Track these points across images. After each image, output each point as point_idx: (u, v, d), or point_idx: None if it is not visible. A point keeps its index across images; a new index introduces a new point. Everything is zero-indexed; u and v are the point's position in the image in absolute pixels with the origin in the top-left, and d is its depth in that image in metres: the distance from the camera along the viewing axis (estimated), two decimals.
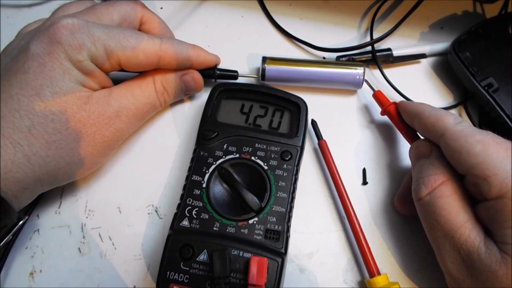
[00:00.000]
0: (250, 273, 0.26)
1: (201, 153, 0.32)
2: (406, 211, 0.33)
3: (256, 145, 0.32)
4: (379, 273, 0.30)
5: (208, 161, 0.32)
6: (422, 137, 0.32)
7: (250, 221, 0.30)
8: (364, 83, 0.37)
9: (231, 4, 0.43)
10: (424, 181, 0.28)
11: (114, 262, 0.32)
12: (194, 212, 0.30)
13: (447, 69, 0.40)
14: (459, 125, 0.28)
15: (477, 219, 0.26)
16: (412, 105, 0.32)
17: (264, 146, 0.32)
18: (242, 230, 0.29)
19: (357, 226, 0.32)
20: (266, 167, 0.32)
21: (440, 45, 0.40)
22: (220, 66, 0.37)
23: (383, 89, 0.37)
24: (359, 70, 0.37)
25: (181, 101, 0.38)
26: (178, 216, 0.30)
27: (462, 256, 0.26)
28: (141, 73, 0.34)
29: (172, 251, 0.28)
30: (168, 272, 0.28)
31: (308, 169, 0.36)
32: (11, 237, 0.30)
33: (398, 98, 0.38)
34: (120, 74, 0.34)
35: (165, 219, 0.34)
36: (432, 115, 0.29)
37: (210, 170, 0.31)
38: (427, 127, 0.30)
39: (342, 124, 0.38)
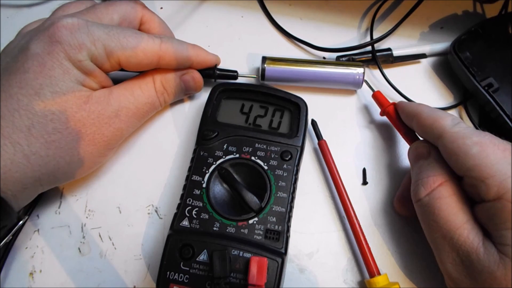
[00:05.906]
0: (250, 273, 0.26)
1: (201, 153, 0.32)
2: (406, 212, 0.33)
3: (256, 145, 0.32)
4: (379, 273, 0.30)
5: (208, 161, 0.32)
6: (421, 138, 0.32)
7: (250, 221, 0.30)
8: (364, 83, 0.37)
9: (231, 4, 0.43)
10: (422, 182, 0.28)
11: (114, 262, 0.32)
12: (194, 212, 0.30)
13: (447, 69, 0.40)
14: (456, 127, 0.28)
15: (476, 220, 0.26)
16: (411, 106, 0.32)
17: (264, 146, 0.32)
18: (242, 230, 0.29)
19: (357, 226, 0.32)
20: (266, 167, 0.32)
21: (440, 45, 0.40)
22: (220, 66, 0.37)
23: (383, 89, 0.37)
24: (359, 70, 0.37)
25: (181, 101, 0.38)
26: (178, 216, 0.30)
27: (461, 257, 0.26)
28: (141, 73, 0.34)
29: (172, 251, 0.28)
30: (168, 272, 0.28)
31: (308, 169, 0.36)
32: (11, 237, 0.30)
33: (398, 98, 0.38)
34: (120, 74, 0.34)
35: (165, 219, 0.34)
36: (430, 116, 0.29)
37: (210, 170, 0.31)
38: (425, 129, 0.30)
39: (342, 124, 0.38)
